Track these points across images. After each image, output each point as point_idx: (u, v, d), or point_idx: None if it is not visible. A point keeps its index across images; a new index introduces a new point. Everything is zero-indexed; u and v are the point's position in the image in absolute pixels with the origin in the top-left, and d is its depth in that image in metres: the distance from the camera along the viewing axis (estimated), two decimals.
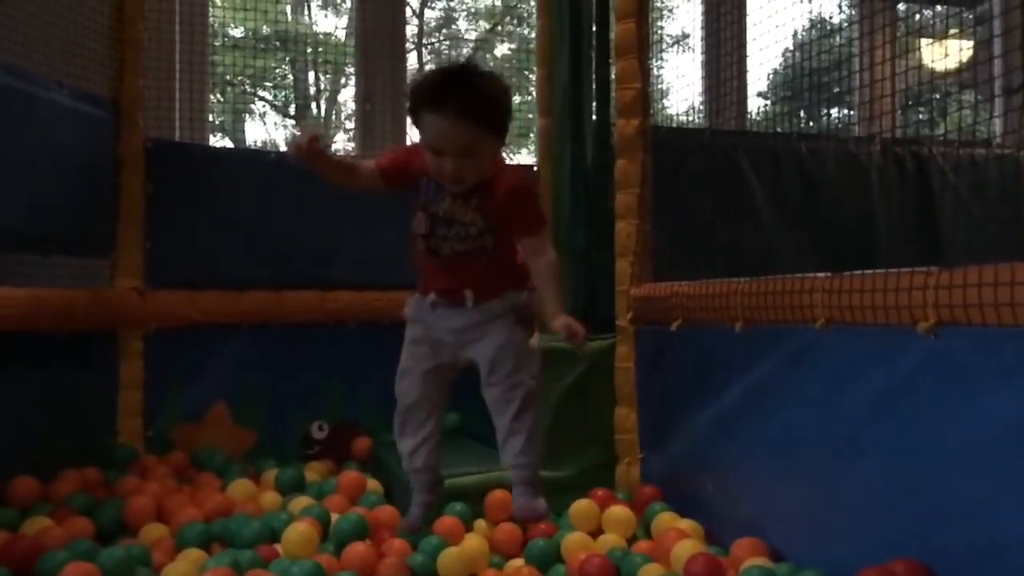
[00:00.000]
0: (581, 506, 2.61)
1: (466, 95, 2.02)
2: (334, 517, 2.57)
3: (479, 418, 3.51)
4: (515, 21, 12.64)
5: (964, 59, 4.67)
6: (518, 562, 2.37)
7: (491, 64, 12.70)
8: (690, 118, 5.03)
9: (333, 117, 13.56)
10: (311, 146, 2.09)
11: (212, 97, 7.97)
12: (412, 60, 11.10)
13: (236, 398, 3.48)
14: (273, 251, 3.58)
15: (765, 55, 3.94)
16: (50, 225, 3.01)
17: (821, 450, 2.02)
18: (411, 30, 11.55)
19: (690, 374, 2.58)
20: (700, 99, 5.39)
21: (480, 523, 2.67)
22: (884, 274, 1.83)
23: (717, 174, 3.65)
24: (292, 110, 13.85)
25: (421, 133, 2.11)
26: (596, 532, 2.56)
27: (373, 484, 2.96)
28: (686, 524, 2.38)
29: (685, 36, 8.05)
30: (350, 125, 13.67)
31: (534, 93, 4.16)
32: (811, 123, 5.00)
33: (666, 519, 2.46)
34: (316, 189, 3.63)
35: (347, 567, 2.24)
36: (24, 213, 2.87)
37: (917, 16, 6.04)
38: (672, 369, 2.67)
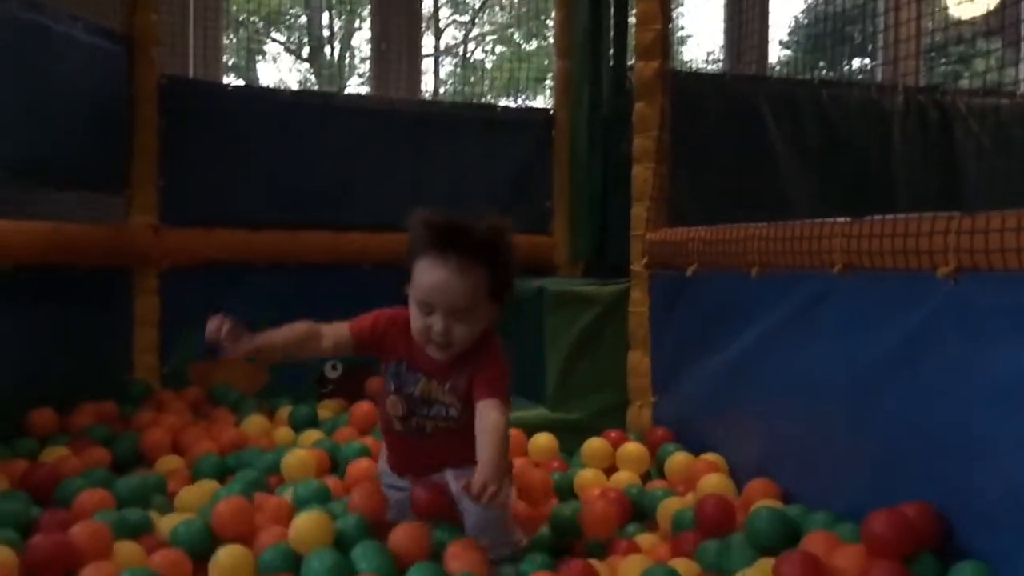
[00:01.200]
0: (594, 444, 2.63)
1: (475, 245, 1.81)
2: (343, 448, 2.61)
3: None
4: None
5: (991, 5, 4.57)
6: None
7: (508, 9, 12.54)
8: (709, 65, 4.97)
9: (347, 60, 13.46)
10: (232, 338, 1.86)
11: (225, 39, 7.90)
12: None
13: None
14: (288, 191, 3.57)
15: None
16: (65, 160, 3.00)
17: (836, 395, 2.02)
18: None
19: (704, 319, 2.57)
20: (721, 44, 5.32)
21: None
22: (904, 219, 1.82)
23: (736, 120, 3.61)
24: (305, 52, 13.75)
25: (414, 283, 1.86)
26: (609, 471, 2.59)
27: None
28: (712, 457, 2.39)
29: None
30: (364, 69, 13.58)
31: (551, 38, 4.10)
32: (833, 72, 4.93)
33: (680, 459, 2.48)
34: (331, 129, 3.62)
35: (352, 485, 2.26)
36: (39, 147, 2.87)
37: None
38: (686, 314, 2.67)
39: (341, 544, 1.85)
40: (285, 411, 3.09)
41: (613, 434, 2.71)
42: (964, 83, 4.42)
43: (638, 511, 2.32)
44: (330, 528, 1.86)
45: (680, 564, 1.81)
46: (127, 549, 1.85)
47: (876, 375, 1.90)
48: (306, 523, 1.86)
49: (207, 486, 2.32)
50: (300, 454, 2.51)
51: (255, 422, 2.92)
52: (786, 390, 2.21)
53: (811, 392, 2.12)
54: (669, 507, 2.19)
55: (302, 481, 2.27)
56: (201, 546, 1.90)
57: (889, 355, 1.87)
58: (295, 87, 12.83)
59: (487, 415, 1.78)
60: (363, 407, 2.96)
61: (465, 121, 3.84)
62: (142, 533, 1.99)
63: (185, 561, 1.82)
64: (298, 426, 2.96)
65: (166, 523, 2.04)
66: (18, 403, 2.72)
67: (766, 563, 1.68)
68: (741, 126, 3.62)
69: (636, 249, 2.87)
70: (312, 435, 2.82)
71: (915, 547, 1.63)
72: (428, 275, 1.82)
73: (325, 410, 3.19)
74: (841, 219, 2.01)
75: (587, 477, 2.48)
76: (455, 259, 1.79)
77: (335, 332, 2.00)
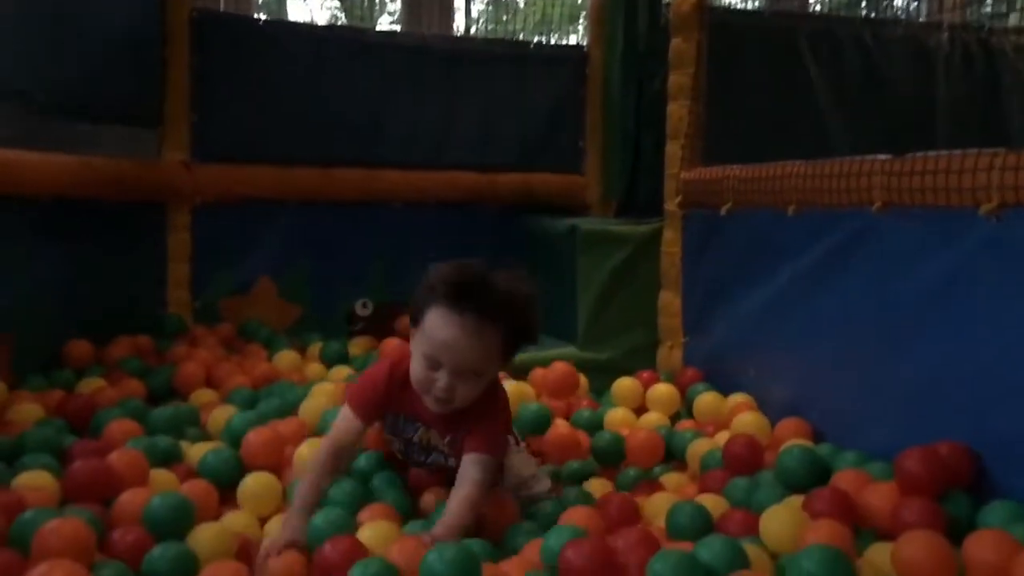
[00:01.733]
0: (624, 384, 2.63)
1: (494, 305, 1.66)
2: None
3: None
4: None
5: None
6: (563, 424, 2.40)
7: None
8: (747, 2, 4.86)
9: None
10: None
11: None
12: None
13: (281, 273, 3.52)
14: (320, 128, 3.55)
15: None
16: (99, 94, 3.00)
17: (872, 334, 1.99)
18: None
19: (738, 258, 2.55)
20: None
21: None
22: (947, 155, 1.78)
23: (774, 57, 3.53)
24: None
25: (423, 333, 1.68)
26: (638, 411, 2.59)
27: None
28: (742, 397, 2.38)
29: None
30: (394, 7, 13.43)
31: None
32: (875, 10, 4.80)
33: (709, 399, 2.47)
34: (364, 66, 3.59)
35: None
36: (72, 81, 2.87)
37: None
38: (719, 254, 2.64)
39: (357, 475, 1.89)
40: (316, 347, 3.12)
41: (645, 374, 2.70)
42: (1010, 21, 4.29)
43: (667, 451, 2.32)
44: (276, 488, 1.87)
45: (707, 500, 1.81)
46: (161, 477, 1.89)
47: (912, 314, 1.88)
48: (307, 451, 1.90)
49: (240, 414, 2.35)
50: (328, 388, 2.52)
51: (286, 357, 2.94)
52: (820, 330, 2.19)
53: (845, 331, 2.10)
54: (699, 448, 2.19)
55: (332, 409, 2.29)
56: (229, 475, 1.93)
57: (927, 294, 1.84)
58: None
59: (466, 473, 1.67)
60: (392, 343, 2.97)
61: (498, 58, 3.78)
62: (172, 461, 2.03)
63: (212, 491, 1.84)
64: (329, 362, 2.98)
65: (196, 452, 2.08)
66: (55, 335, 2.76)
67: (796, 500, 1.67)
68: (780, 64, 3.54)
69: (670, 188, 2.83)
70: (343, 371, 2.84)
71: (948, 485, 1.62)
72: (440, 330, 1.64)
73: (355, 347, 3.21)
74: (881, 156, 1.97)
75: (617, 417, 2.48)
76: (472, 319, 1.64)
77: (349, 434, 1.78)
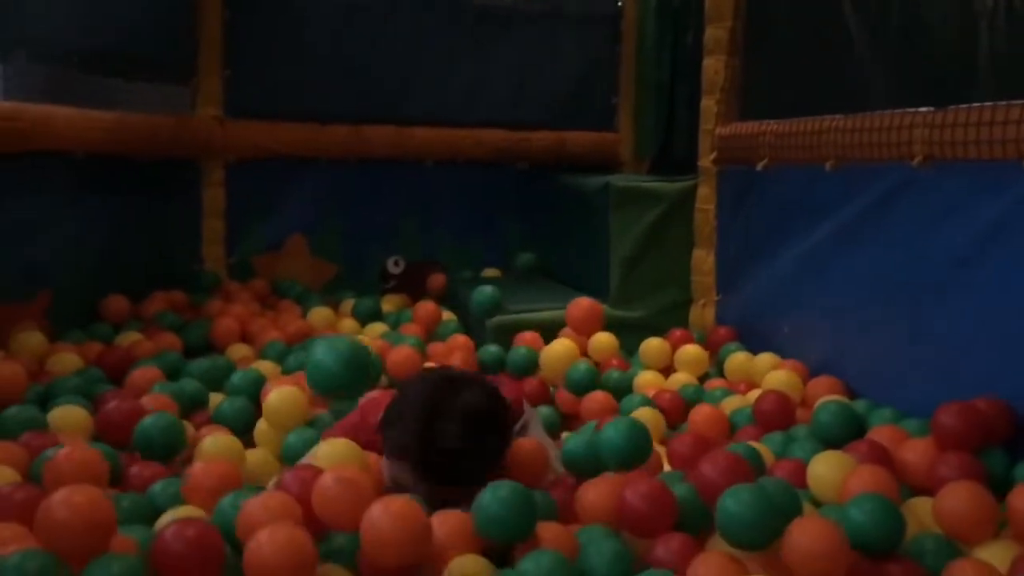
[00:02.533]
0: (652, 344, 2.62)
1: (467, 472, 1.48)
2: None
3: (553, 258, 3.53)
4: None
5: None
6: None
7: None
8: None
9: None
10: None
11: None
12: None
13: (314, 230, 3.54)
14: (353, 85, 3.54)
15: None
16: (133, 49, 3.01)
17: (910, 289, 1.97)
18: None
19: (773, 215, 2.51)
20: None
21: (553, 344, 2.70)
22: (991, 107, 1.73)
23: (813, 8, 3.44)
24: None
25: (390, 466, 1.54)
26: (667, 370, 2.58)
27: (448, 315, 3.01)
28: (766, 358, 2.37)
29: None
30: None
31: None
32: None
33: (740, 358, 2.46)
34: (397, 23, 3.57)
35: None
36: (107, 37, 2.88)
37: None
38: (754, 210, 2.61)
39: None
40: (349, 304, 3.14)
41: (677, 333, 2.69)
42: None
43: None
44: (302, 404, 1.91)
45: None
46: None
47: (953, 269, 1.84)
48: (278, 397, 1.91)
49: (268, 366, 2.37)
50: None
51: (320, 314, 2.96)
52: (856, 286, 2.16)
53: (882, 288, 2.07)
54: (728, 406, 2.19)
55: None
56: (244, 424, 1.97)
57: (968, 249, 1.81)
58: None
59: None
60: (427, 307, 2.98)
61: (530, 14, 3.74)
62: (199, 408, 2.05)
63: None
64: (362, 318, 3.00)
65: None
66: (92, 290, 2.80)
67: (831, 454, 1.65)
68: (818, 15, 3.45)
69: (705, 144, 2.79)
70: (377, 328, 2.86)
71: (985, 441, 1.60)
72: (412, 488, 1.49)
73: (388, 304, 3.23)
74: (923, 108, 1.92)
75: (646, 378, 2.48)
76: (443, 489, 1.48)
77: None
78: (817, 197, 2.30)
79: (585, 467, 1.61)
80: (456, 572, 1.24)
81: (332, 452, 1.52)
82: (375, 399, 1.72)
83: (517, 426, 1.75)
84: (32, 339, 2.34)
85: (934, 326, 1.90)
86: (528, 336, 2.64)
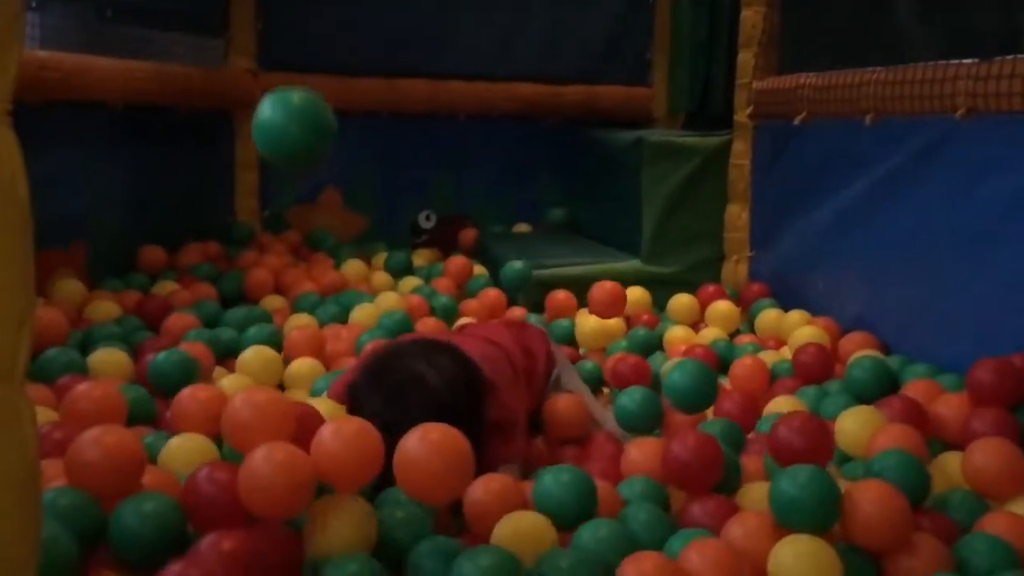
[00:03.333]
0: (681, 300, 2.61)
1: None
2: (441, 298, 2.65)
3: (585, 213, 3.52)
4: None
5: None
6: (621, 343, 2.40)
7: None
8: None
9: None
10: None
11: None
12: None
13: (347, 183, 3.55)
14: (386, 38, 3.52)
15: None
16: (168, 1, 3.02)
17: (949, 244, 1.94)
18: None
19: (810, 170, 2.48)
20: None
21: (583, 311, 2.71)
22: None
23: None
24: None
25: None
26: (695, 326, 2.57)
27: (480, 269, 3.01)
28: (797, 314, 2.35)
29: None
30: None
31: None
32: None
33: (772, 314, 2.45)
34: None
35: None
36: None
37: None
38: (791, 165, 2.58)
39: None
40: (381, 258, 3.15)
41: (710, 288, 2.68)
42: None
43: (724, 366, 2.30)
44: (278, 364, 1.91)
45: (781, 403, 1.80)
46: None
47: (992, 225, 1.82)
48: (252, 355, 1.91)
49: (304, 319, 2.39)
50: (394, 297, 2.57)
51: (353, 266, 2.98)
52: (893, 242, 2.14)
53: (920, 243, 2.04)
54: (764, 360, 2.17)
55: (388, 312, 2.33)
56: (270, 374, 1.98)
57: (1009, 204, 1.78)
58: None
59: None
60: (458, 261, 2.99)
61: None
62: (233, 355, 2.09)
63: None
64: (394, 272, 3.01)
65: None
66: (128, 241, 2.83)
67: (864, 409, 1.64)
68: None
69: (741, 98, 2.76)
70: (411, 281, 2.87)
71: (1020, 397, 1.58)
72: None
73: (419, 258, 3.24)
74: (967, 60, 1.88)
75: (676, 334, 2.47)
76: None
77: None
78: (856, 151, 2.27)
79: (640, 422, 1.62)
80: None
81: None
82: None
83: (552, 377, 1.76)
84: (70, 287, 2.37)
85: (973, 282, 1.88)
86: (561, 296, 2.63)
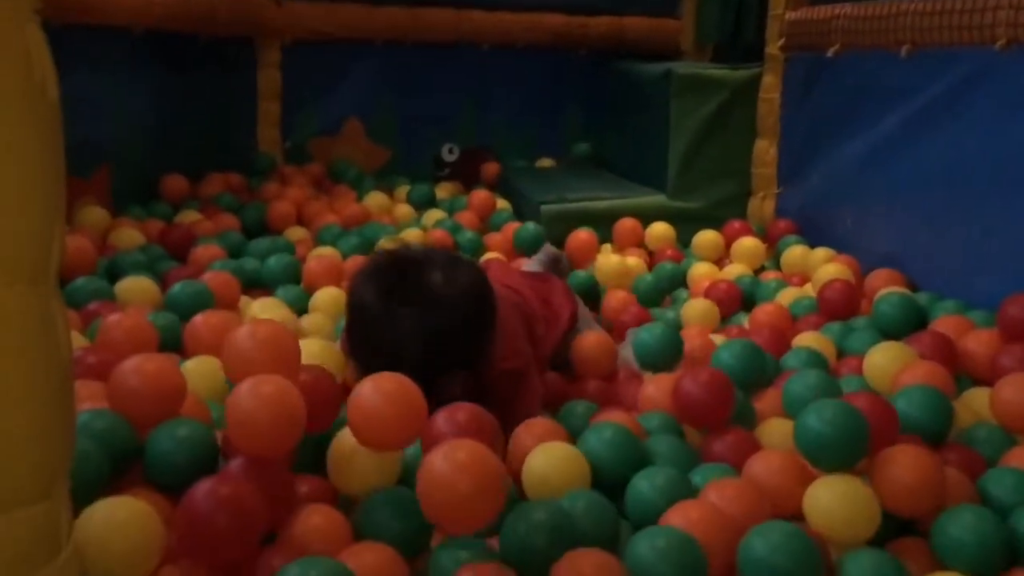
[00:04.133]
0: (705, 237, 2.59)
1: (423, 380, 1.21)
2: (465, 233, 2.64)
3: (610, 148, 3.47)
4: None
5: None
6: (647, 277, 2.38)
7: None
8: None
9: None
10: None
11: None
12: None
13: (369, 114, 3.52)
14: None
15: None
16: None
17: (984, 179, 1.90)
18: None
19: (842, 104, 2.43)
20: None
21: (607, 247, 2.69)
22: None
23: None
24: None
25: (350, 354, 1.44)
26: (720, 263, 2.55)
27: (503, 203, 2.99)
28: (822, 252, 2.33)
29: None
30: None
31: None
32: None
33: (798, 251, 2.42)
34: None
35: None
36: None
37: None
38: (822, 99, 2.53)
39: None
40: (403, 190, 3.13)
41: (735, 224, 2.65)
42: None
43: (748, 302, 2.29)
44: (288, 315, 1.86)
45: (807, 339, 1.78)
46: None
47: None
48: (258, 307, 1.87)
49: (328, 252, 2.39)
50: (417, 231, 2.57)
51: (376, 199, 2.97)
52: (926, 178, 2.10)
53: (955, 179, 2.00)
54: (783, 298, 2.15)
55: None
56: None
57: None
58: None
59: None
60: (481, 195, 2.97)
61: None
62: (258, 285, 2.10)
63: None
64: (416, 205, 3.00)
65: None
66: (150, 169, 2.83)
67: (892, 344, 1.62)
68: None
69: (772, 30, 2.69)
70: (434, 214, 2.86)
71: None
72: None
73: (442, 191, 3.22)
74: None
75: (700, 270, 2.46)
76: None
77: None
78: (890, 84, 2.22)
79: (660, 358, 1.61)
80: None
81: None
82: None
83: (573, 332, 1.73)
84: (95, 215, 2.38)
85: (1007, 219, 1.84)
86: (583, 236, 2.61)
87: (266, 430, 1.04)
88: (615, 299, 2.21)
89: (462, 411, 1.18)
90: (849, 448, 1.15)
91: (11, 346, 0.52)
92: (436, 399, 1.29)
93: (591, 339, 1.67)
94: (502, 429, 1.39)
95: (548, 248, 2.33)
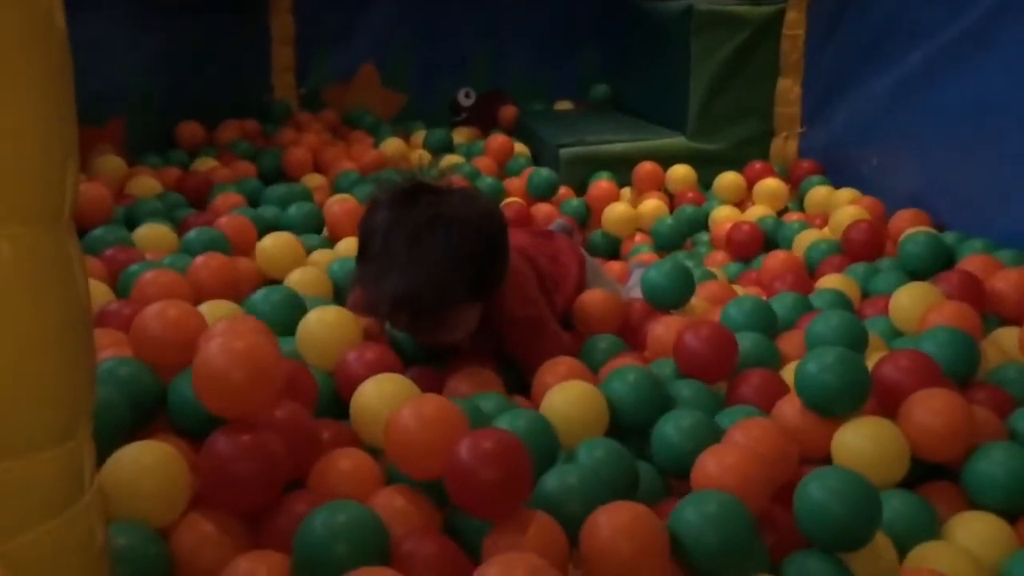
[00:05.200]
0: (727, 179, 2.57)
1: (430, 301, 1.26)
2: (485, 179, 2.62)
3: (629, 90, 3.42)
4: None
5: None
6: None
7: None
8: None
9: None
10: None
11: None
12: None
13: (384, 60, 3.47)
14: None
15: None
16: None
17: (1013, 115, 1.86)
18: None
19: (869, 40, 2.37)
20: None
21: (626, 191, 2.67)
22: None
23: None
24: None
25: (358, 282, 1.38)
26: (742, 205, 2.53)
27: (520, 148, 2.96)
28: (846, 192, 2.29)
29: None
30: None
31: None
32: None
33: (822, 192, 2.39)
34: None
35: None
36: None
37: None
38: (848, 35, 2.47)
39: None
40: (420, 136, 3.11)
41: (757, 166, 2.62)
42: None
43: (771, 244, 2.26)
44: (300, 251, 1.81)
45: (832, 280, 1.75)
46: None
47: None
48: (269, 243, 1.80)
49: (344, 198, 2.37)
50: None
51: (392, 144, 2.94)
52: (953, 115, 2.05)
53: (982, 116, 1.96)
54: (805, 238, 2.12)
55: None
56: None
57: None
58: None
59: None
60: (498, 139, 2.94)
61: None
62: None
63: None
64: (433, 150, 2.97)
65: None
66: (165, 117, 2.81)
67: (919, 284, 1.59)
68: None
69: None
70: (451, 159, 2.83)
71: None
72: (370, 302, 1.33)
73: (459, 136, 3.19)
74: None
75: (722, 212, 2.43)
76: (396, 310, 1.30)
77: None
78: (917, 19, 2.16)
79: (669, 296, 1.58)
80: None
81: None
82: None
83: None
84: (111, 163, 2.37)
85: None
86: (604, 185, 2.58)
87: (238, 389, 0.96)
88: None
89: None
90: (849, 395, 1.13)
91: (27, 285, 0.51)
92: (442, 341, 1.32)
93: (593, 297, 1.61)
94: (524, 372, 1.39)
95: (560, 222, 2.25)
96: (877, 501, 0.95)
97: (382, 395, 1.13)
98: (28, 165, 0.50)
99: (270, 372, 0.98)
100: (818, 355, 1.16)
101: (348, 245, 1.94)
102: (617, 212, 2.46)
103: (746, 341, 1.36)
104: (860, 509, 0.93)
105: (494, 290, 1.35)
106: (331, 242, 2.02)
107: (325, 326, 1.31)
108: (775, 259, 1.98)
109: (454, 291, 1.28)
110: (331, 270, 1.72)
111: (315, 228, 2.13)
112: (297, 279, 1.61)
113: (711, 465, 1.02)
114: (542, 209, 2.48)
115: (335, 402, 1.24)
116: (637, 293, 1.66)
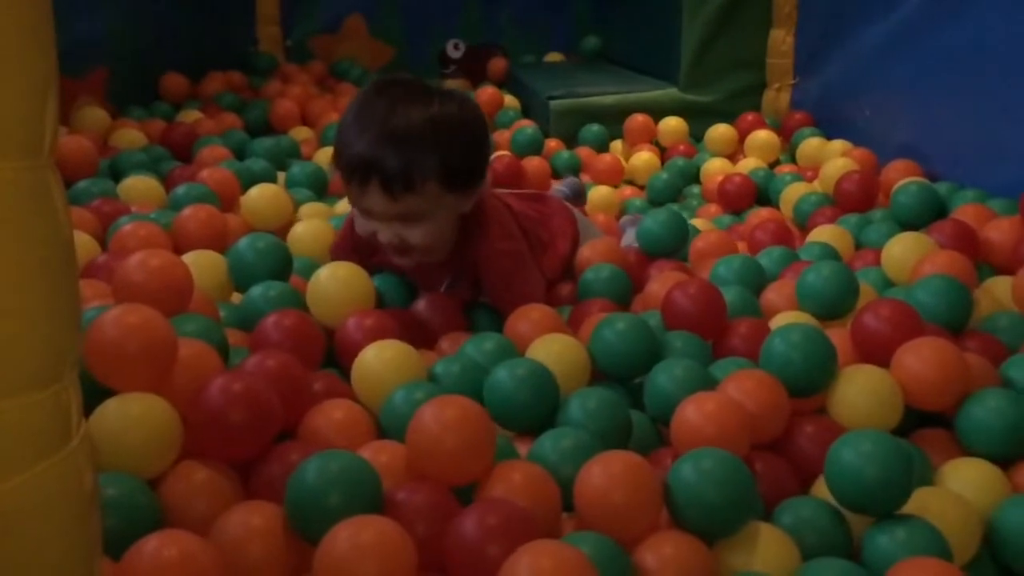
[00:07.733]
0: (719, 131, 2.54)
1: (402, 164, 1.25)
2: None
3: (620, 42, 3.38)
4: None
5: None
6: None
7: None
8: None
9: None
10: None
11: None
12: None
13: (372, 11, 3.42)
14: None
15: None
16: None
17: (1007, 64, 1.83)
18: None
19: None
20: None
21: (616, 144, 2.65)
22: None
23: None
24: None
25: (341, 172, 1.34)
26: (733, 158, 2.51)
27: (511, 100, 2.93)
28: (838, 144, 2.28)
29: None
30: None
31: None
32: None
33: (813, 144, 2.37)
34: None
35: None
36: None
37: None
38: None
39: None
40: None
41: (749, 117, 2.60)
42: None
43: (762, 196, 2.25)
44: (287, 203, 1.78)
45: (823, 233, 1.74)
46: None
47: None
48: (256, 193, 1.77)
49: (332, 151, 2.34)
50: None
51: None
52: (947, 65, 2.02)
53: (976, 65, 1.93)
54: (794, 191, 2.10)
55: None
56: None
57: None
58: None
59: None
60: (488, 92, 2.90)
61: None
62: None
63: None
64: None
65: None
66: (148, 69, 2.76)
67: (911, 234, 1.58)
68: None
69: None
70: None
71: None
72: (354, 195, 1.32)
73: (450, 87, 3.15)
74: None
75: (714, 165, 2.41)
76: (379, 186, 1.28)
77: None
78: None
79: (665, 244, 1.57)
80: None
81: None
82: None
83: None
84: (94, 115, 2.32)
85: None
86: (609, 159, 2.54)
87: (133, 363, 0.95)
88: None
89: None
90: (813, 372, 1.11)
91: (6, 220, 0.49)
92: (417, 247, 1.32)
93: (593, 248, 1.59)
94: (502, 312, 1.38)
95: (571, 179, 2.23)
96: (910, 463, 0.92)
97: (383, 360, 1.12)
98: (5, 97, 0.48)
99: (168, 348, 0.98)
100: (784, 332, 1.14)
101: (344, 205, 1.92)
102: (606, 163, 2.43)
103: (730, 294, 1.35)
104: (894, 473, 0.90)
105: (468, 189, 1.33)
106: (324, 197, 2.00)
107: (336, 282, 1.29)
108: (759, 216, 1.97)
109: (425, 161, 1.26)
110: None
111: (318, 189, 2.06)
112: (299, 233, 1.59)
113: (691, 413, 1.02)
114: (532, 162, 2.45)
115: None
116: (631, 243, 1.65)
